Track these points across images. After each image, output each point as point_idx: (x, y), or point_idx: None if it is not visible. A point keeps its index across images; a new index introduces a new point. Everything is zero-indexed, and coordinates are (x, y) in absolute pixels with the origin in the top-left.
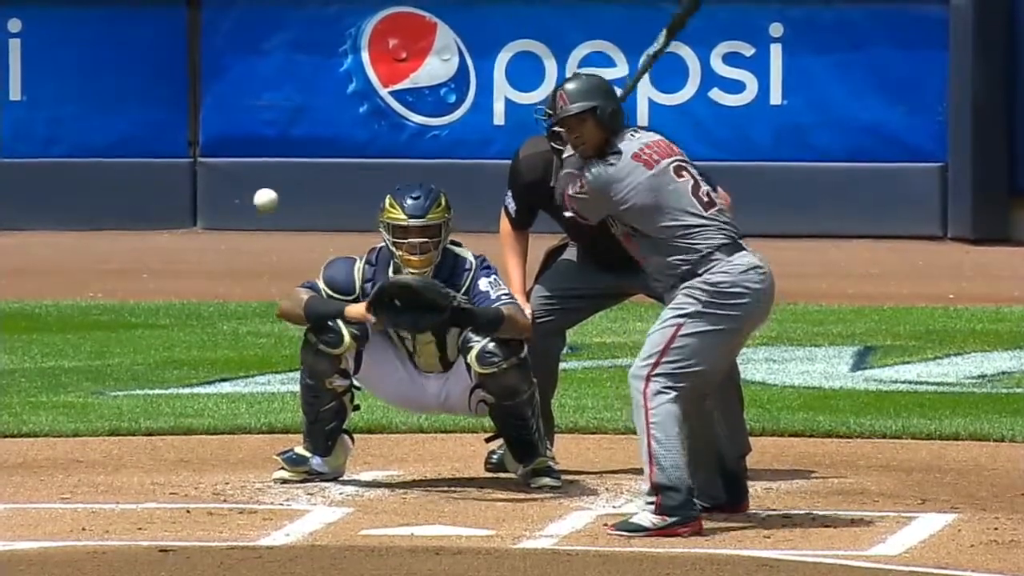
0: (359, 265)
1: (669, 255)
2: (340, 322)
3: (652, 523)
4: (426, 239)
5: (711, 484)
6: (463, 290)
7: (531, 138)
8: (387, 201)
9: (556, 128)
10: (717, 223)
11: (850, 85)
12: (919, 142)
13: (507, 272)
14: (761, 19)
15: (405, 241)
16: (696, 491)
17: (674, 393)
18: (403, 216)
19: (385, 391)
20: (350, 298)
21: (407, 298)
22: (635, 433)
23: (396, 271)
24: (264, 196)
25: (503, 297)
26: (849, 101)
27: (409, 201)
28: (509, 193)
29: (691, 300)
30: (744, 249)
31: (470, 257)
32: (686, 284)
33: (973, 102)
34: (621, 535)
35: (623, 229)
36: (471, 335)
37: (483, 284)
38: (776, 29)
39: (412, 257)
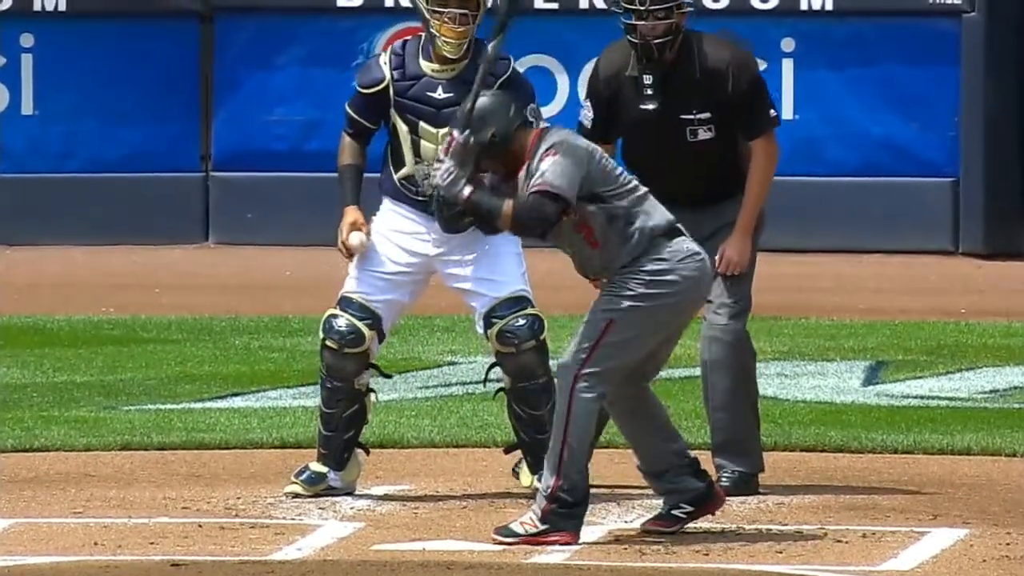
0: (384, 58)
1: (622, 238)
2: (355, 320)
3: (524, 530)
4: (465, 11)
5: (681, 476)
6: (499, 84)
7: (610, 43)
8: None
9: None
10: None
11: (862, 100)
12: (931, 156)
13: None
14: (773, 34)
15: (445, 10)
16: (665, 492)
17: (598, 394)
18: None
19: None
20: (383, 85)
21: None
22: None
23: (427, 54)
24: (357, 239)
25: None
26: (861, 116)
27: None
28: (587, 103)
29: (627, 291)
30: (683, 234)
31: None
32: (624, 268)
33: (985, 116)
34: (500, 539)
35: (579, 215)
36: (497, 310)
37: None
38: (788, 44)
39: (450, 27)
